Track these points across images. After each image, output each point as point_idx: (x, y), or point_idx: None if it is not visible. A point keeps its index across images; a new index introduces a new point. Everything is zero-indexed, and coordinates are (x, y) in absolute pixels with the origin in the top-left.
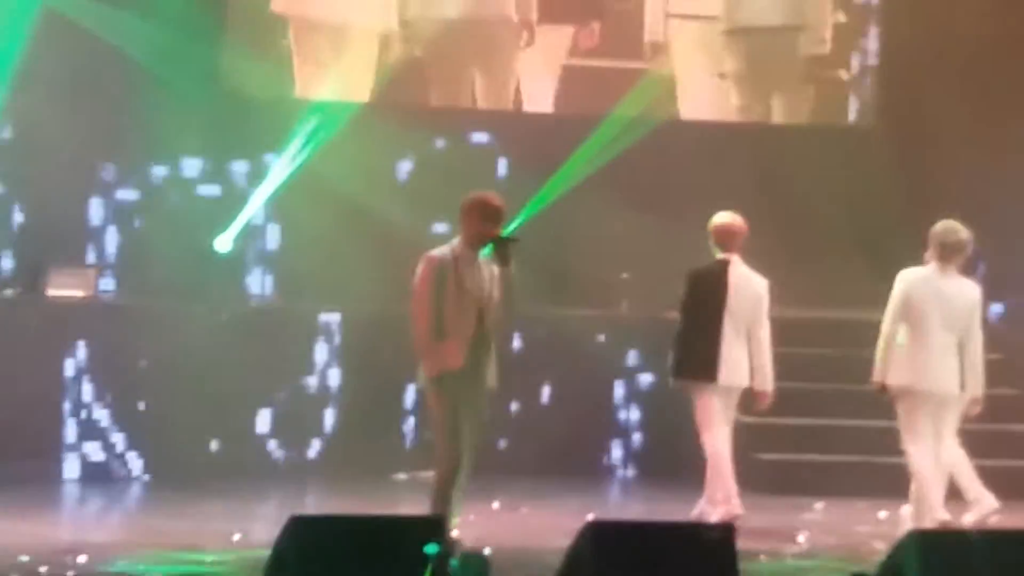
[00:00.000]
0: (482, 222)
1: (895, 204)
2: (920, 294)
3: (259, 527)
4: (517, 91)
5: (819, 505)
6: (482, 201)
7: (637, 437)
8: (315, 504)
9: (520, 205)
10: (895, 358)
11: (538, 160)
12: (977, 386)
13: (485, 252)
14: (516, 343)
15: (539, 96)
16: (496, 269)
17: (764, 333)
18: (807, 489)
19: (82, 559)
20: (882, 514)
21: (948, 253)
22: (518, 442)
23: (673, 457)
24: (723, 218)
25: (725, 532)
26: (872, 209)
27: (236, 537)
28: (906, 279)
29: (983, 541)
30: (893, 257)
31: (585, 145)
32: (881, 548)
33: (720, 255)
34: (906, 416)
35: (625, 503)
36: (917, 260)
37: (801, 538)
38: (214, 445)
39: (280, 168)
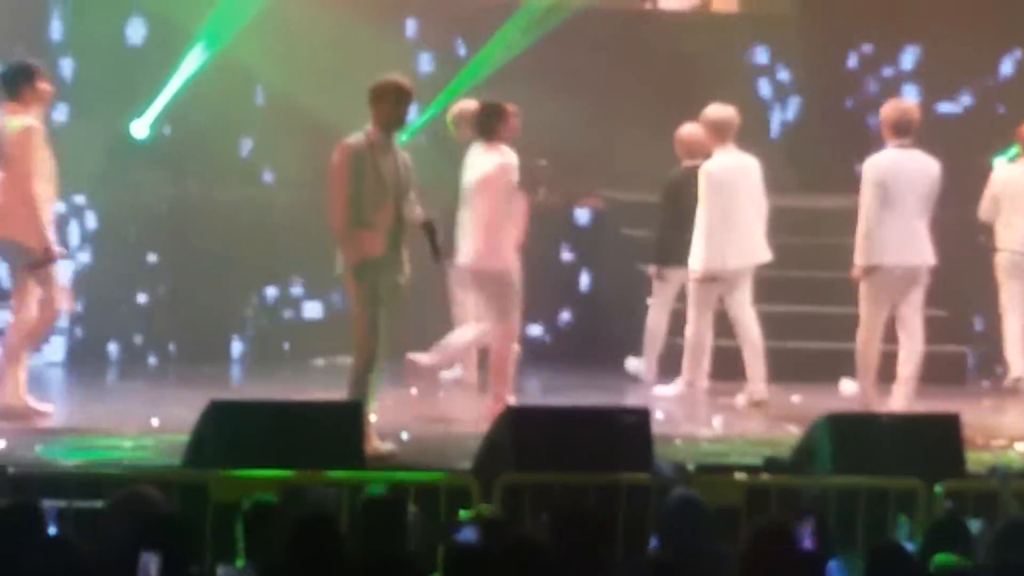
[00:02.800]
0: (396, 106)
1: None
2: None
3: (179, 412)
4: None
5: (735, 389)
6: (395, 85)
7: (561, 320)
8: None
9: (437, 92)
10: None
11: (456, 46)
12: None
13: (402, 139)
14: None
15: None
16: (408, 157)
17: None
18: (722, 374)
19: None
20: (795, 398)
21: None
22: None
23: (595, 342)
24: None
25: (641, 416)
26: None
27: (155, 422)
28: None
29: (892, 423)
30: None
31: (502, 31)
32: (794, 431)
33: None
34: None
35: (546, 388)
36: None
37: (716, 422)
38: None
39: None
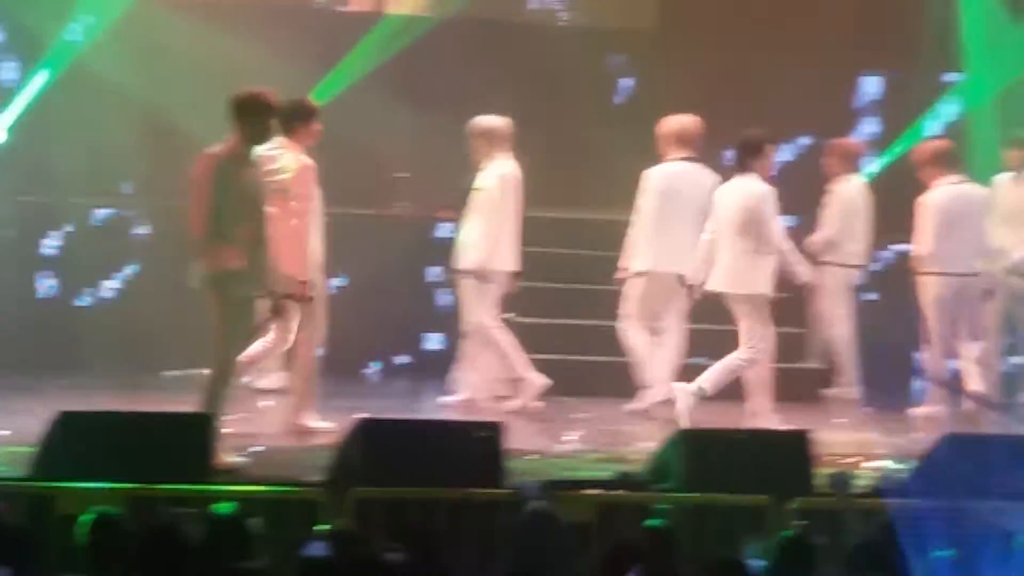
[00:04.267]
0: (259, 119)
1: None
2: (666, 187)
3: (27, 422)
4: None
5: (586, 404)
6: (260, 98)
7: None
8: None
9: None
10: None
11: (318, 56)
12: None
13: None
14: None
15: None
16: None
17: None
18: (575, 389)
19: None
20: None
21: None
22: None
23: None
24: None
25: (493, 430)
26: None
27: (4, 433)
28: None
29: (743, 440)
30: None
31: (365, 42)
32: (646, 447)
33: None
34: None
35: (398, 400)
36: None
37: (569, 437)
38: None
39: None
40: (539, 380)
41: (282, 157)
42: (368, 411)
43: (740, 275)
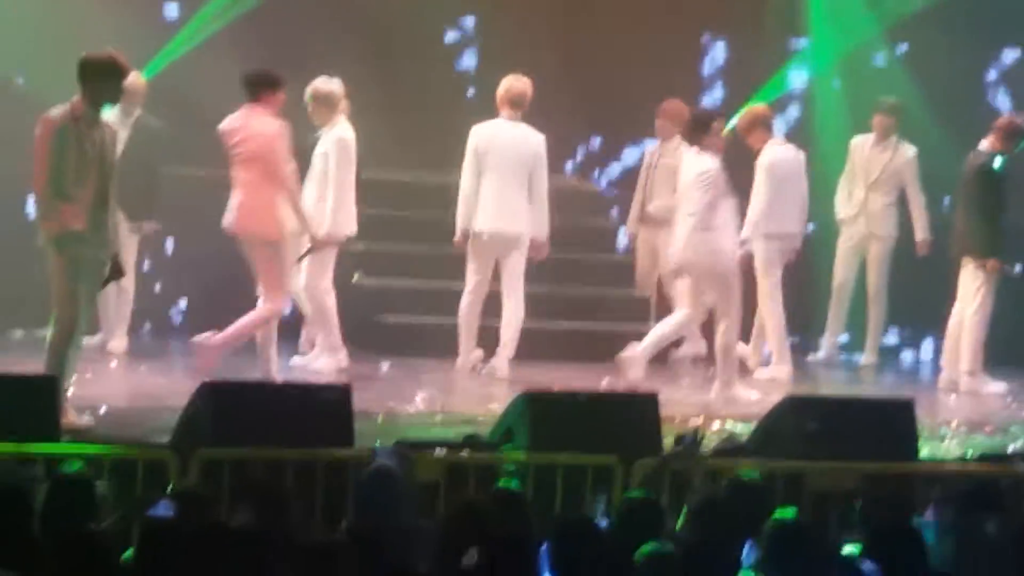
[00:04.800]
0: (107, 81)
1: None
2: (487, 144)
3: None
4: None
5: (432, 365)
6: (107, 60)
7: None
8: None
9: (149, 58)
10: None
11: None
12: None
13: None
14: None
15: None
16: (117, 131)
17: None
18: (426, 350)
19: None
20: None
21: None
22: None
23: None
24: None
25: (341, 392)
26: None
27: None
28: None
29: (590, 401)
30: None
31: (206, 7)
32: (496, 409)
33: None
34: None
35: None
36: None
37: (418, 398)
38: None
39: None
40: (343, 357)
41: (253, 123)
42: (222, 373)
43: (695, 248)
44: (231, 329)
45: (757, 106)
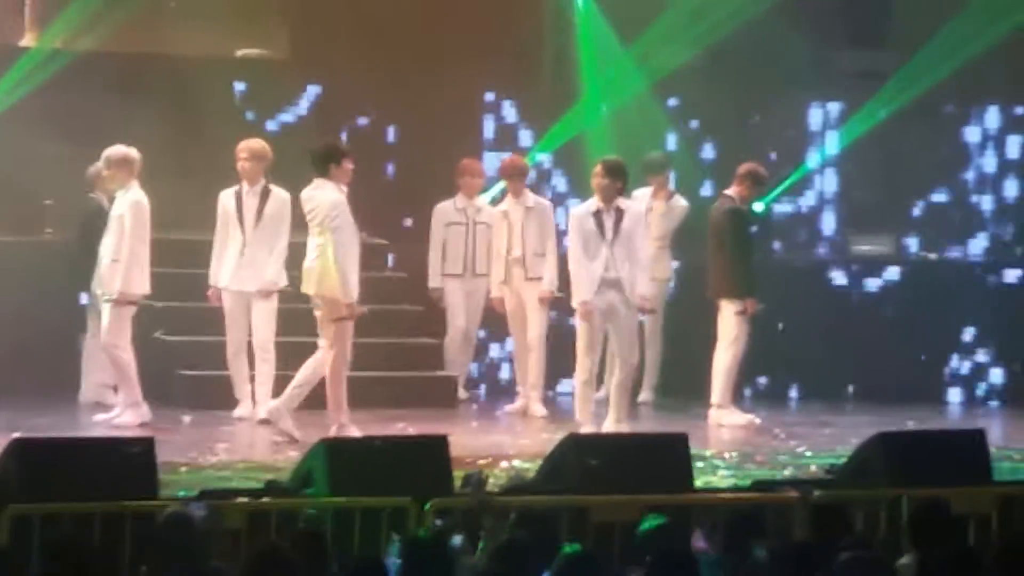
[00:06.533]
0: None
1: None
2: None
3: None
4: None
5: (229, 418)
6: None
7: None
8: None
9: None
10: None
11: None
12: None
13: None
14: None
15: None
16: None
17: None
18: (225, 402)
19: None
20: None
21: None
22: None
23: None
24: None
25: (145, 445)
26: None
27: None
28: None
29: (384, 446)
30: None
31: (8, 74)
32: (295, 456)
33: None
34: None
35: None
36: None
37: (219, 448)
38: None
39: None
40: (145, 411)
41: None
42: (27, 430)
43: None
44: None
45: (514, 158)
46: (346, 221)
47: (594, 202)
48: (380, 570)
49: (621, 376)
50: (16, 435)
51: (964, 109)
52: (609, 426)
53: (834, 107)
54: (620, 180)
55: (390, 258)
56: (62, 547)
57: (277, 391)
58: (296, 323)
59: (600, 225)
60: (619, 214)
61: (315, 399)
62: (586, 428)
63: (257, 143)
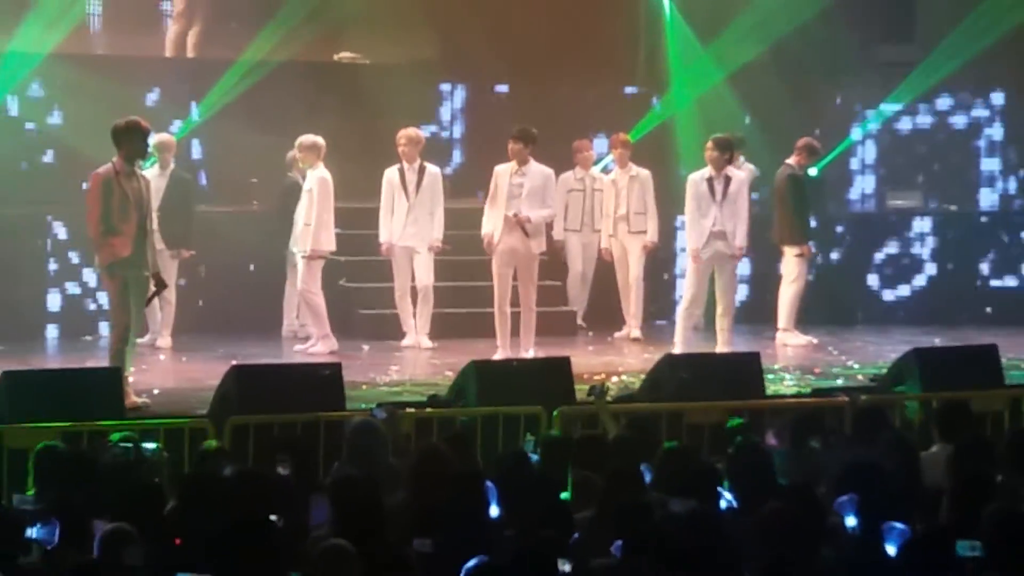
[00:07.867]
0: (137, 142)
1: None
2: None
3: None
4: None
5: (402, 343)
6: (136, 125)
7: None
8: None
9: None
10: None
11: (184, 93)
12: None
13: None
14: None
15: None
16: (151, 180)
17: None
18: (395, 335)
19: None
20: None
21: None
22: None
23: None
24: None
25: (335, 369)
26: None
27: None
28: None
29: (521, 366)
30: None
31: (220, 82)
32: (450, 375)
33: None
34: None
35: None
36: None
37: (391, 370)
38: None
39: None
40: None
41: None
42: (242, 358)
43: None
44: None
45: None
46: None
47: (708, 171)
48: (525, 458)
49: (722, 308)
50: (234, 362)
51: (975, 92)
52: (720, 347)
53: (872, 91)
54: (727, 153)
55: None
56: (285, 446)
57: (434, 326)
58: (453, 271)
59: (711, 189)
60: (727, 180)
61: (465, 328)
62: (679, 348)
63: (413, 131)
